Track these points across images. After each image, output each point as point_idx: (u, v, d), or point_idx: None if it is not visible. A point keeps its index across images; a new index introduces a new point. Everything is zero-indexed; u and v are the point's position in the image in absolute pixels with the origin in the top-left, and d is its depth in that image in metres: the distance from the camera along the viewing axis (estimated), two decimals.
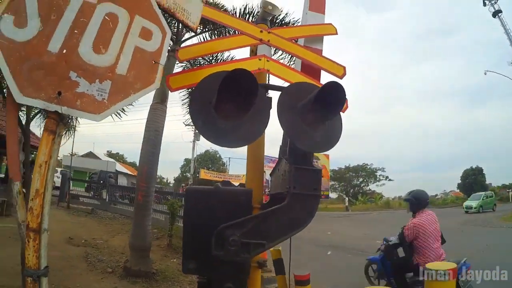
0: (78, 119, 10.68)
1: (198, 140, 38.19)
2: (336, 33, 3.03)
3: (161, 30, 2.30)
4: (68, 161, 31.24)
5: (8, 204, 10.73)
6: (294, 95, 1.97)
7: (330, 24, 3.06)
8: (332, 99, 1.78)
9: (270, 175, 2.74)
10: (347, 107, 2.71)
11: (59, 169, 22.36)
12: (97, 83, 2.01)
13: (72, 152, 24.79)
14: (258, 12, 2.91)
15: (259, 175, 2.72)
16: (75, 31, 2.01)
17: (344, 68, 2.93)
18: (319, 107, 1.84)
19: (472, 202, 33.81)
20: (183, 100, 11.34)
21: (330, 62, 2.94)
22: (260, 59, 2.65)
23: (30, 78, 1.87)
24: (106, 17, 2.12)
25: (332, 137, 1.98)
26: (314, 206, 1.92)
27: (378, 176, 57.15)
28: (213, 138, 1.86)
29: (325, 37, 3.10)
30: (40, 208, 1.83)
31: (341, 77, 2.90)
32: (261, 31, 2.78)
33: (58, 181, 17.18)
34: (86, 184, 26.43)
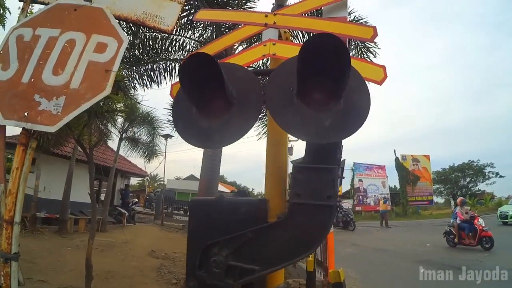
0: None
1: (291, 154, 38.42)
2: None
3: (117, 40, 2.57)
4: (172, 184, 34.59)
5: (104, 222, 12.50)
6: (286, 76, 1.55)
7: None
8: (326, 62, 1.33)
9: None
10: (385, 76, 2.04)
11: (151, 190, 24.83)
12: (54, 100, 2.40)
13: (163, 175, 27.27)
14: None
15: (280, 182, 2.19)
16: (41, 62, 2.52)
17: (374, 28, 2.29)
18: (314, 79, 1.42)
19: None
20: None
21: (356, 26, 2.49)
22: (265, 45, 2.42)
23: (9, 104, 2.42)
24: (66, 44, 2.56)
25: (352, 116, 1.46)
26: (327, 221, 1.43)
27: (487, 174, 48.51)
28: (195, 140, 1.68)
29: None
30: (12, 204, 2.29)
31: (370, 40, 2.36)
32: (265, 16, 2.53)
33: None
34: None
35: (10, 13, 6.41)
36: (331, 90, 1.45)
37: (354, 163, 33.44)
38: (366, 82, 1.62)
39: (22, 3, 2.95)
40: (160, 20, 2.77)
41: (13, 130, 2.79)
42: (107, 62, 2.51)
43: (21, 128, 2.40)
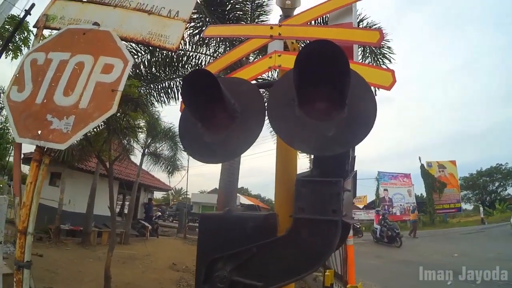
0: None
1: None
2: None
3: (123, 60, 2.72)
4: (196, 198, 34.95)
5: (126, 235, 12.72)
6: (287, 87, 1.51)
7: None
8: (324, 70, 1.29)
9: None
10: (394, 80, 1.95)
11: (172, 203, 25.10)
12: (64, 119, 2.58)
13: (186, 188, 27.64)
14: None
15: (290, 196, 2.04)
16: (53, 84, 2.73)
17: (380, 31, 2.24)
18: (313, 88, 1.38)
19: None
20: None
21: (362, 31, 2.47)
22: (270, 57, 2.40)
23: (24, 124, 2.65)
24: (75, 66, 2.75)
25: (357, 124, 1.39)
26: (332, 237, 1.36)
27: None
28: (199, 155, 1.67)
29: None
30: (26, 216, 2.46)
31: (376, 44, 2.30)
32: (271, 28, 2.53)
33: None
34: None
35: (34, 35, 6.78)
36: (333, 99, 1.40)
37: (378, 172, 32.73)
38: (376, 88, 1.57)
39: (36, 29, 3.12)
40: (165, 39, 2.88)
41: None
42: (113, 82, 2.65)
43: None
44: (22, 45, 7.06)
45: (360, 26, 7.34)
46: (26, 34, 6.98)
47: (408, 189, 32.60)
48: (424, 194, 34.77)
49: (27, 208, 2.46)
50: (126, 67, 2.70)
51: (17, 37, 6.97)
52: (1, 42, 6.61)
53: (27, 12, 4.93)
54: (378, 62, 8.15)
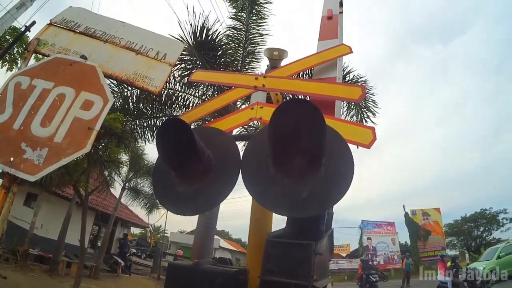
0: None
1: None
2: (351, 52, 2.45)
3: (103, 99, 2.67)
4: (175, 237, 33.85)
5: (97, 269, 12.03)
6: (265, 143, 1.44)
7: (342, 44, 2.57)
8: (300, 129, 1.27)
9: None
10: (374, 138, 1.86)
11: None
12: (38, 150, 2.48)
13: (164, 227, 26.84)
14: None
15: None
16: (32, 112, 2.62)
17: (362, 88, 2.23)
18: (289, 146, 1.33)
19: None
20: None
21: (344, 86, 2.42)
22: (252, 108, 2.37)
23: None
24: (56, 98, 2.67)
25: (333, 184, 1.35)
26: None
27: (501, 221, 46.50)
28: (170, 206, 1.63)
29: None
30: None
31: (358, 101, 2.34)
32: (256, 78, 2.53)
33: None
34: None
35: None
36: (309, 158, 1.36)
37: (362, 220, 32.66)
38: (352, 145, 1.56)
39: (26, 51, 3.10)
40: (149, 81, 2.87)
41: None
42: (91, 120, 2.59)
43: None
44: (19, 59, 7.04)
45: (347, 78, 7.62)
46: (24, 47, 6.98)
47: (392, 237, 32.42)
48: (409, 242, 34.55)
49: None
50: (105, 106, 2.63)
51: (15, 49, 7.00)
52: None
53: (27, 28, 4.99)
54: (362, 115, 8.37)
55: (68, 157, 2.46)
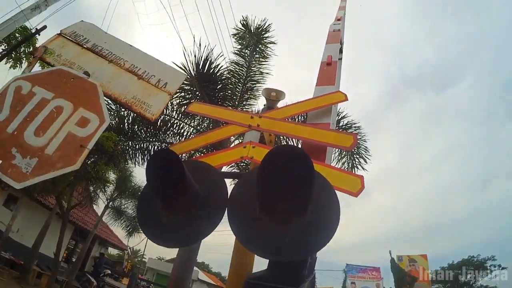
0: None
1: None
2: (346, 99, 2.50)
3: (99, 118, 2.68)
4: (152, 263, 32.74)
5: (68, 285, 11.49)
6: (253, 185, 1.45)
7: (338, 91, 2.62)
8: (288, 175, 1.30)
9: None
10: (362, 187, 1.87)
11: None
12: (27, 159, 2.47)
13: (144, 251, 25.97)
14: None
15: None
16: (28, 119, 2.63)
17: (354, 136, 2.31)
18: (276, 191, 1.35)
19: None
20: None
21: (336, 133, 2.45)
22: (244, 147, 2.39)
23: None
24: (54, 109, 2.68)
25: (317, 232, 1.37)
26: None
27: (488, 267, 45.48)
28: (152, 236, 1.61)
29: None
30: None
31: (349, 149, 2.43)
32: (251, 117, 2.56)
33: None
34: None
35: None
36: (295, 203, 1.38)
37: (346, 264, 32.20)
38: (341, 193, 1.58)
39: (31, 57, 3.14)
40: (147, 107, 2.90)
41: None
42: (84, 138, 2.60)
43: None
44: (24, 59, 7.14)
45: (341, 123, 7.81)
46: (31, 48, 7.00)
47: (377, 282, 31.74)
48: None
49: None
50: (101, 126, 2.64)
51: (22, 49, 7.10)
52: (6, 46, 6.73)
53: (37, 31, 5.03)
54: (354, 162, 8.50)
55: (56, 171, 2.44)
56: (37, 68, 3.11)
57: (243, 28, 9.79)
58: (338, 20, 3.55)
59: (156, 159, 1.55)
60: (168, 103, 3.06)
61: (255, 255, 2.15)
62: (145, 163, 9.53)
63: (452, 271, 47.19)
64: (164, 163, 1.49)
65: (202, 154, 8.18)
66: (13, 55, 6.86)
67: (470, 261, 46.83)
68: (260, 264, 2.01)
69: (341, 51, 3.24)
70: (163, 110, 2.92)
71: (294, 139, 6.42)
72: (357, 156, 8.54)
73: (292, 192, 1.34)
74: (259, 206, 1.41)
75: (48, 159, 2.47)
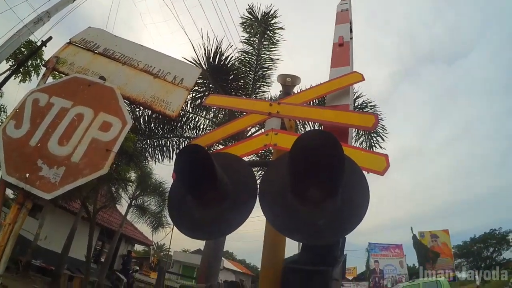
0: None
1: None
2: (363, 79, 2.47)
3: (121, 121, 2.72)
4: (178, 256, 33.41)
5: (99, 285, 11.88)
6: (281, 170, 1.49)
7: (354, 72, 2.59)
8: (318, 159, 1.31)
9: None
10: (387, 165, 1.86)
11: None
12: (54, 169, 2.50)
13: (169, 245, 26.44)
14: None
15: (276, 285, 1.81)
16: (49, 129, 2.67)
17: (376, 116, 2.24)
18: (307, 176, 1.37)
19: None
20: None
21: (358, 114, 2.44)
22: (267, 134, 2.36)
23: (14, 162, 2.55)
24: (74, 117, 2.72)
25: (348, 213, 1.39)
26: None
27: (511, 241, 44.79)
28: (185, 229, 1.65)
29: None
30: None
31: (371, 129, 2.37)
32: (270, 105, 2.54)
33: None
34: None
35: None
36: (326, 188, 1.39)
37: (369, 243, 32.13)
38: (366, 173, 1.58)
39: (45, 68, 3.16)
40: (166, 105, 2.93)
41: None
42: (109, 142, 2.63)
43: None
44: (33, 72, 7.20)
45: (356, 102, 7.69)
46: (38, 61, 7.10)
47: (400, 260, 31.71)
48: (417, 265, 33.59)
49: (1, 249, 2.31)
50: (124, 128, 2.69)
51: (30, 62, 7.12)
52: (13, 62, 6.74)
53: (43, 43, 5.09)
54: (372, 141, 8.39)
55: (85, 177, 2.48)
56: (48, 80, 3.13)
57: (250, 16, 9.76)
58: None
59: (185, 155, 1.56)
60: (186, 98, 3.05)
61: (286, 239, 2.16)
62: (165, 160, 9.90)
63: (475, 245, 46.84)
64: (193, 158, 1.51)
65: (223, 147, 8.23)
66: (21, 69, 6.91)
67: (492, 234, 46.09)
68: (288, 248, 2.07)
69: (351, 30, 3.17)
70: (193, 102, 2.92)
71: (312, 123, 6.36)
72: (375, 135, 8.46)
73: (323, 176, 1.35)
74: (291, 192, 1.43)
75: (75, 167, 2.51)
